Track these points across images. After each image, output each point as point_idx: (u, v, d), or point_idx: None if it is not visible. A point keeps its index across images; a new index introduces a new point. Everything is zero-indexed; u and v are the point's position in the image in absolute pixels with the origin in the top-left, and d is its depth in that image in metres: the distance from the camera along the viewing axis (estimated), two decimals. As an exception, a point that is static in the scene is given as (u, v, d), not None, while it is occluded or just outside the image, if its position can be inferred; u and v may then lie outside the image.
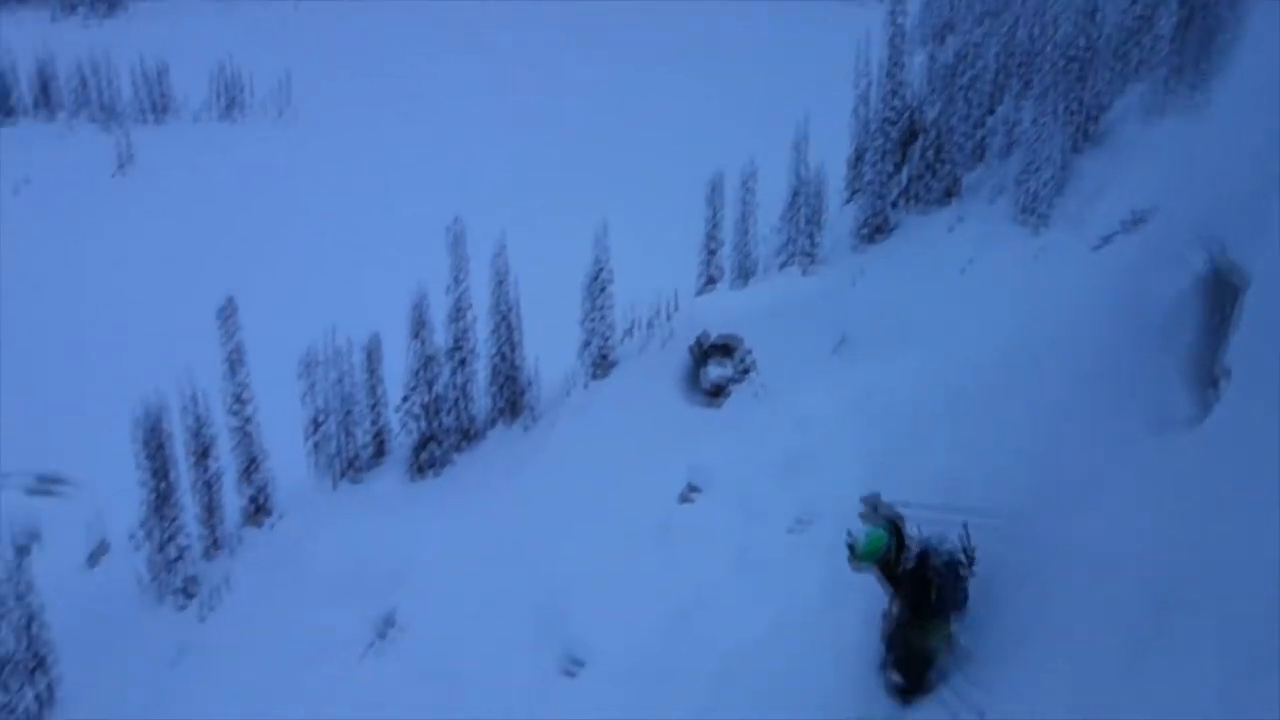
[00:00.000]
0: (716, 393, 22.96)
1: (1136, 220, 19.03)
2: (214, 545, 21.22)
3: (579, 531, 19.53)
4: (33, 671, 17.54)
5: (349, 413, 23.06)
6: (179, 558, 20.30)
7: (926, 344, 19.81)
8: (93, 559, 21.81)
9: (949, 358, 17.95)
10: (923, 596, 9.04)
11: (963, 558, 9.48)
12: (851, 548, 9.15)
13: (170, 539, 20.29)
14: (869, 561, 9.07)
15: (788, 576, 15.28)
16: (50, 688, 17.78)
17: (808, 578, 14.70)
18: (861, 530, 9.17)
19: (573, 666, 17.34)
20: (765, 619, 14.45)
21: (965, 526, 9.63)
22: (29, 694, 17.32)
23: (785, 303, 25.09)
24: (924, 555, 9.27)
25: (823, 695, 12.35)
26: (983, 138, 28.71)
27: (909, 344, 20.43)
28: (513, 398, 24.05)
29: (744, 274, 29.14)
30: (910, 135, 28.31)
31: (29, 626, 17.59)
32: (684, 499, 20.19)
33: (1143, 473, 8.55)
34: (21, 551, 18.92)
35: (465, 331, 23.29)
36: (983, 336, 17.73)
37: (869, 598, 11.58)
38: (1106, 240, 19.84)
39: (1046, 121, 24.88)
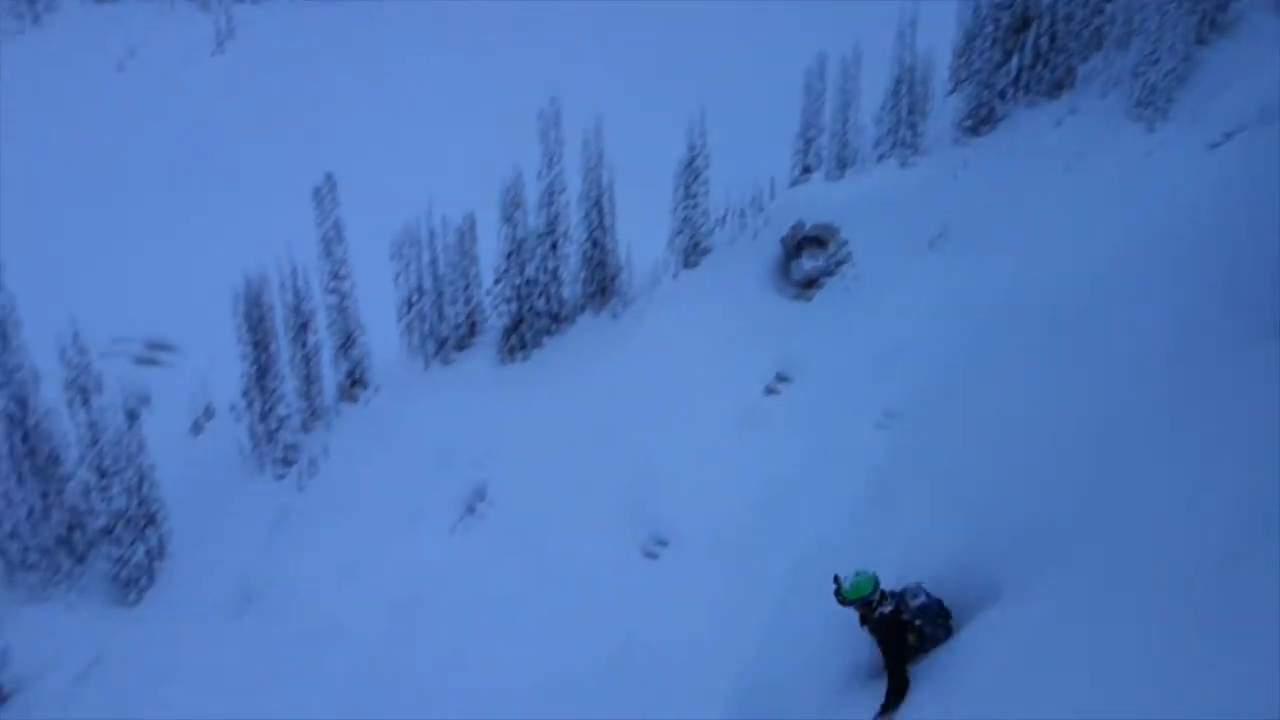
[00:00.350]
0: (808, 285, 22.71)
1: (1264, 117, 18.07)
2: (312, 417, 21.88)
3: (665, 418, 19.70)
4: (144, 527, 18.44)
5: (441, 293, 23.32)
6: (279, 428, 21.01)
7: (1028, 243, 19.28)
8: (197, 426, 22.64)
9: (1051, 258, 17.42)
10: (900, 640, 9.56)
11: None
12: (838, 589, 9.73)
13: (270, 409, 20.97)
14: (854, 601, 9.64)
15: (871, 470, 15.27)
16: (161, 542, 18.70)
17: (895, 475, 14.69)
18: (849, 573, 9.71)
19: (655, 548, 17.73)
20: (845, 510, 14.50)
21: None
22: (141, 548, 18.23)
23: (883, 195, 24.54)
24: (899, 600, 9.77)
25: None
26: (1100, 26, 27.24)
27: (1010, 242, 19.90)
28: (602, 284, 24.06)
29: (841, 164, 28.42)
30: (1022, 22, 27.01)
31: (140, 485, 18.44)
32: (770, 390, 20.22)
33: (1258, 378, 8.27)
34: (132, 415, 19.65)
35: (557, 216, 23.25)
36: (1089, 237, 17.14)
37: (948, 493, 11.59)
38: (1228, 137, 18.87)
39: (1170, 9, 23.53)
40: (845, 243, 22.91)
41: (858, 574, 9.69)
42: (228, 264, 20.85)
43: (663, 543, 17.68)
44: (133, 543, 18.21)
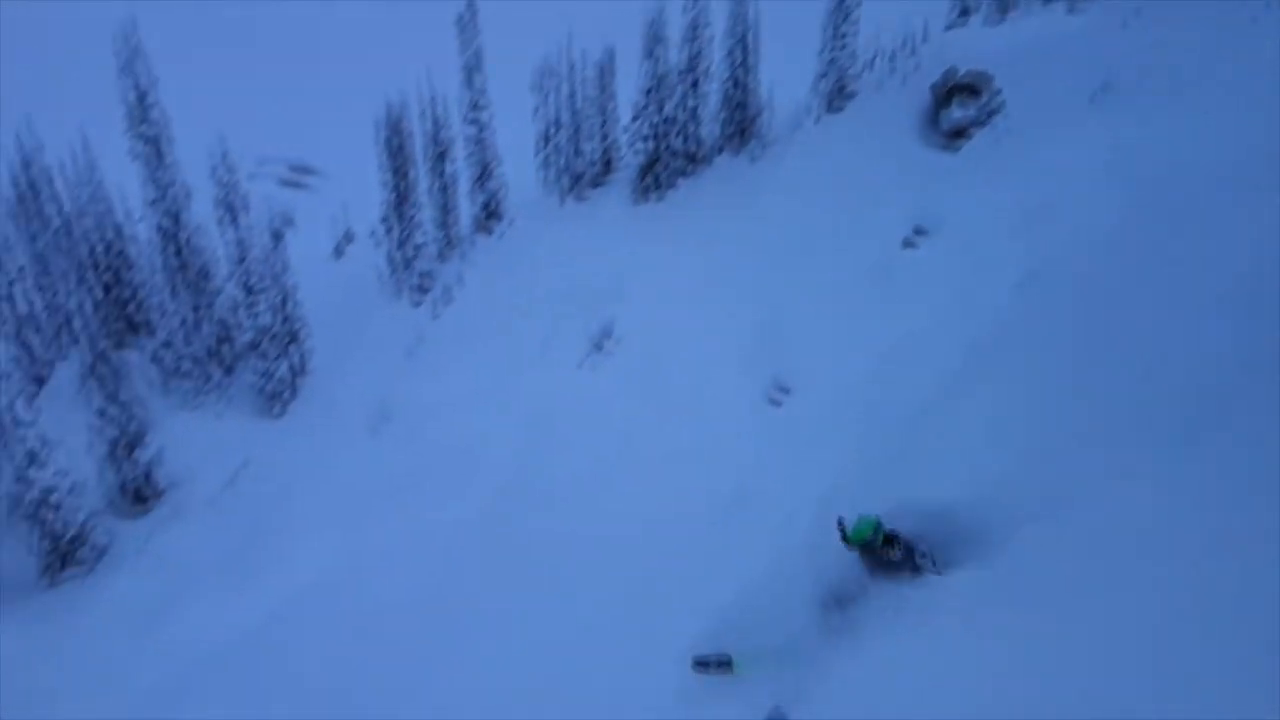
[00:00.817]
0: (956, 135, 21.75)
1: None
2: (447, 246, 22.21)
3: (798, 265, 19.41)
4: (287, 344, 19.24)
5: (579, 129, 23.09)
6: (415, 256, 21.40)
7: (1202, 103, 17.99)
8: (338, 250, 23.26)
9: (1226, 121, 16.27)
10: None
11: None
12: (842, 530, 10.66)
13: (408, 237, 21.34)
14: (857, 543, 10.65)
15: (1006, 329, 14.89)
16: (303, 359, 19.51)
17: (1030, 332, 14.32)
18: (852, 515, 10.66)
19: (779, 395, 17.74)
20: (973, 370, 14.24)
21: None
22: (284, 364, 19.08)
23: (1044, 42, 23.07)
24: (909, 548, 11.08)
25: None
26: None
27: (1180, 101, 18.61)
28: (742, 125, 23.47)
29: (1002, 8, 26.70)
30: None
31: (284, 304, 19.15)
32: (908, 243, 19.67)
33: None
34: (277, 236, 20.26)
35: (700, 53, 22.57)
36: (1271, 101, 15.90)
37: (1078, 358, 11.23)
38: None
39: None
40: (999, 92, 21.76)
41: (860, 518, 10.61)
42: (370, 90, 20.99)
43: (785, 390, 17.66)
44: (277, 358, 19.03)
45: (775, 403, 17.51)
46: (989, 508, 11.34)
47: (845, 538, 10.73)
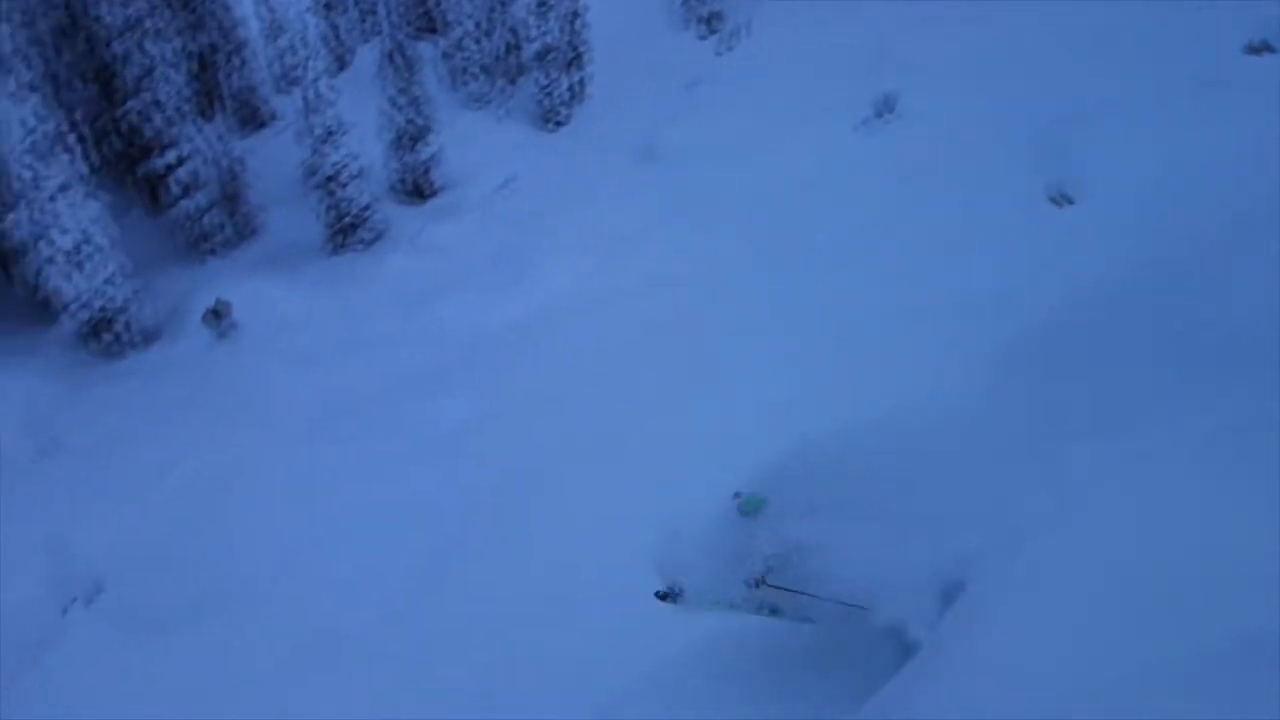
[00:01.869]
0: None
1: None
2: (742, -13, 21.31)
3: (1113, 60, 17.57)
4: (569, 64, 19.20)
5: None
6: (707, -10, 20.71)
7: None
8: (630, -27, 22.70)
9: None
10: None
11: None
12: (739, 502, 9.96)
13: (705, -33, 20.59)
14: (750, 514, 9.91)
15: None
16: (583, 82, 19.43)
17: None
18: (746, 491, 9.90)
19: (1061, 199, 16.45)
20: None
21: None
22: (565, 81, 19.07)
23: None
24: None
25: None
26: None
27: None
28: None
29: None
30: None
31: (573, 22, 18.95)
32: (1254, 49, 17.35)
33: None
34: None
35: None
36: None
37: None
38: None
39: None
40: None
41: (750, 496, 10.09)
42: None
43: (1069, 199, 16.28)
44: (558, 76, 19.06)
45: (1058, 204, 16.21)
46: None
47: (741, 510, 10.31)
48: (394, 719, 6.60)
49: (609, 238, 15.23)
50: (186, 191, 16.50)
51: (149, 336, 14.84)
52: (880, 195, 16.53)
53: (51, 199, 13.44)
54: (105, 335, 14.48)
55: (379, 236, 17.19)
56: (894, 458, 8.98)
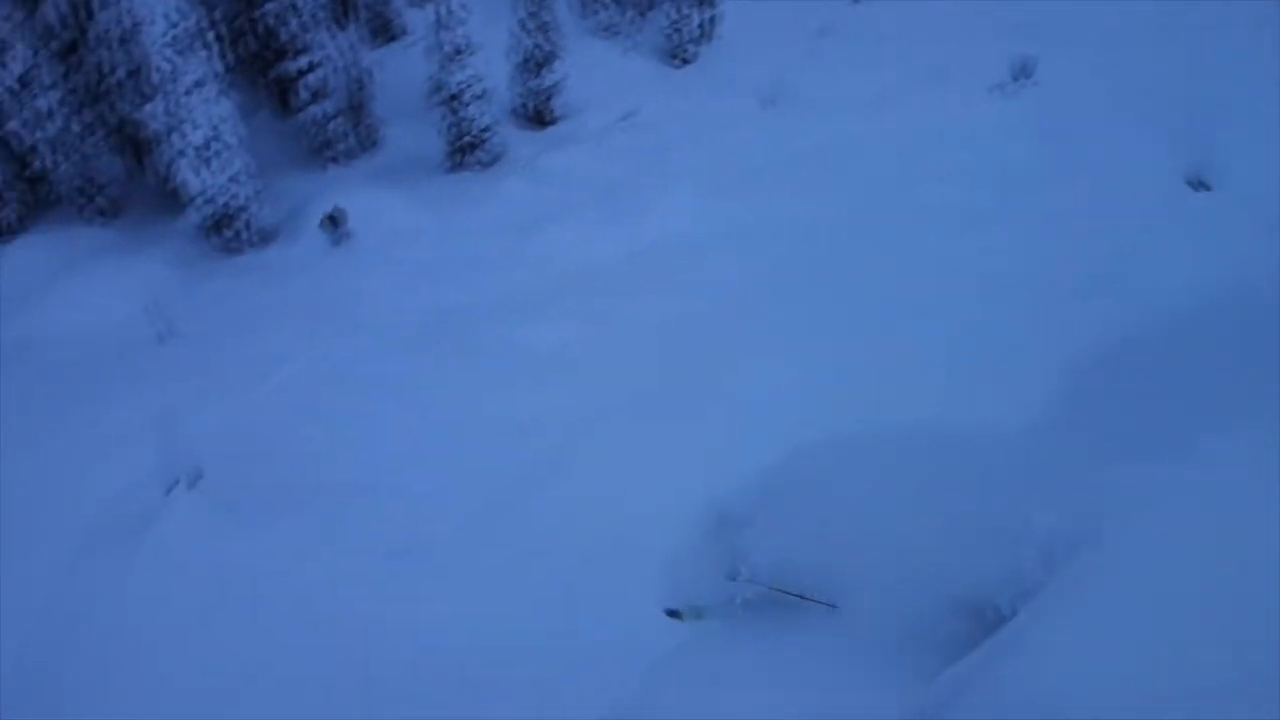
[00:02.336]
0: None
1: None
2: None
3: (1253, 55, 16.62)
4: (701, 1, 18.87)
5: None
6: (849, -64, 20.06)
7: None
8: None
9: None
10: None
11: None
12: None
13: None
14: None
15: None
16: (713, 21, 19.11)
17: None
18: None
19: (1198, 184, 15.67)
20: None
21: None
22: (696, 18, 18.75)
23: None
24: None
25: None
26: None
27: None
28: None
29: None
30: None
31: (709, -43, 18.63)
32: None
33: None
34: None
35: None
36: None
37: None
38: None
39: None
40: None
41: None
42: None
43: (1206, 186, 15.43)
44: (690, 12, 18.74)
45: (1195, 189, 15.41)
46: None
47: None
48: (483, 613, 6.73)
49: (724, 180, 14.97)
50: (315, 97, 16.72)
51: (267, 236, 15.17)
52: (1006, 165, 15.83)
53: (187, 93, 13.74)
54: (226, 231, 14.85)
55: (496, 159, 17.22)
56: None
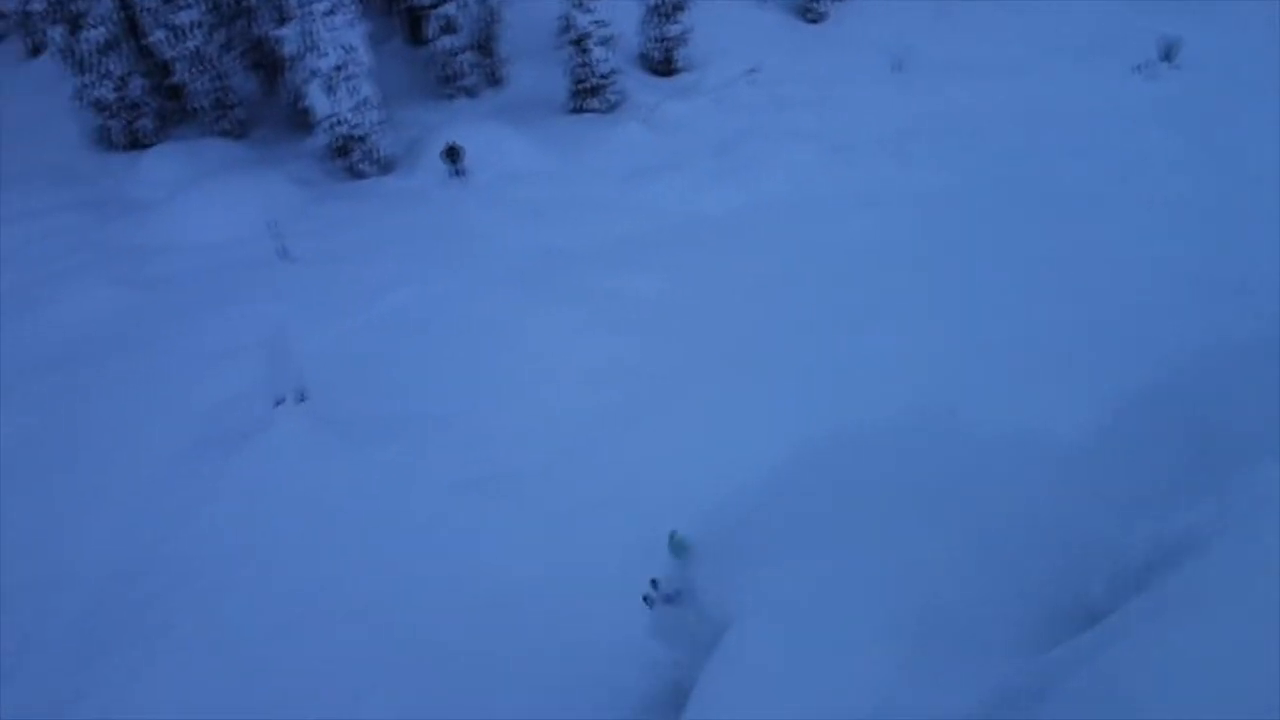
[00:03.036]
0: None
1: None
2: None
3: None
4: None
5: None
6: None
7: None
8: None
9: None
10: None
11: None
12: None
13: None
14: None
15: None
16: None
17: None
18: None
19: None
20: None
21: None
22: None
23: None
24: None
25: None
26: None
27: None
28: None
29: None
30: None
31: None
32: None
33: None
34: None
35: None
36: None
37: None
38: None
39: None
40: None
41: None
42: None
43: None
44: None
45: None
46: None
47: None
48: (562, 555, 6.69)
49: (842, 144, 14.57)
50: (445, 30, 16.72)
51: (387, 165, 15.29)
52: (1144, 151, 14.88)
53: (323, 17, 13.84)
54: (350, 156, 15.01)
55: (615, 105, 17.05)
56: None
